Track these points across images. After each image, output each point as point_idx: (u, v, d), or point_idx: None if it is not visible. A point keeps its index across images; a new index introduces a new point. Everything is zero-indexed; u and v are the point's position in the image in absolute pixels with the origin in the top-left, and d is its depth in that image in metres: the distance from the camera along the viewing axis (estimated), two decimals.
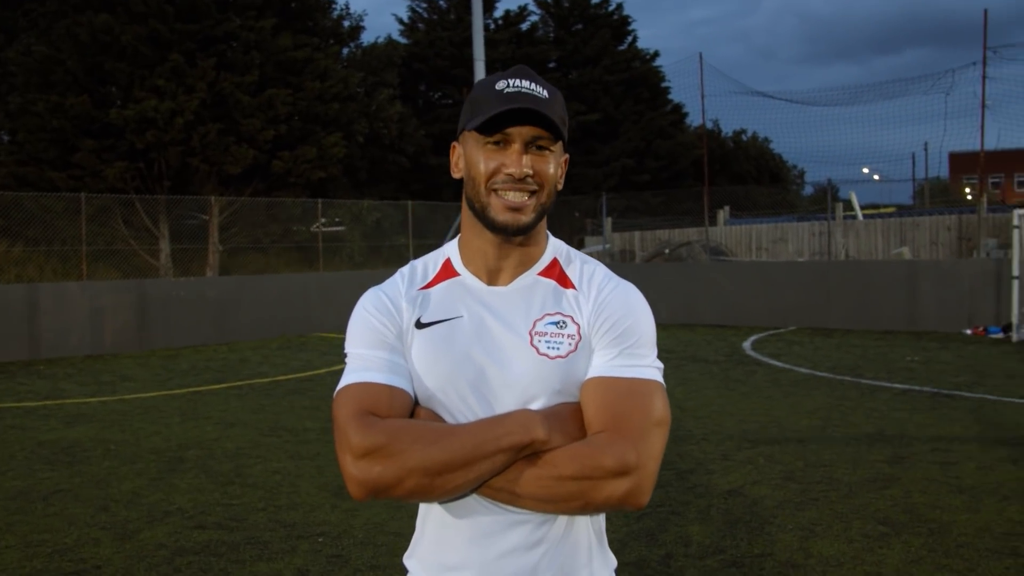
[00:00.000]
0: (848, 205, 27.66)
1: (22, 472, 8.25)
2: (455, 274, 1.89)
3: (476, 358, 1.78)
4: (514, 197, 1.79)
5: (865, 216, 26.22)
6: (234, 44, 28.54)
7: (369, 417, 1.72)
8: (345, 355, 1.90)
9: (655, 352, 1.85)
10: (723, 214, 30.03)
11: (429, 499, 1.72)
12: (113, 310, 18.65)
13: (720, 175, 42.65)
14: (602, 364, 1.79)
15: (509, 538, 1.75)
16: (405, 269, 1.95)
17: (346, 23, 35.80)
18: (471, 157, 1.83)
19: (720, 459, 8.15)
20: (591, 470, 1.66)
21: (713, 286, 21.70)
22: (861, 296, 19.42)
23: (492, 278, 1.87)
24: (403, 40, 40.60)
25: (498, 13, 40.65)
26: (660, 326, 21.08)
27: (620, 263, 26.52)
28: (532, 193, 1.80)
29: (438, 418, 1.79)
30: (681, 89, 53.45)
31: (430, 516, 1.84)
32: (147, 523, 6.57)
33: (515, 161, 1.78)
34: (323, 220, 26.55)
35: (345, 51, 35.08)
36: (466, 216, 1.89)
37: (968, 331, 17.68)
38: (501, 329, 1.81)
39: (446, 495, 1.70)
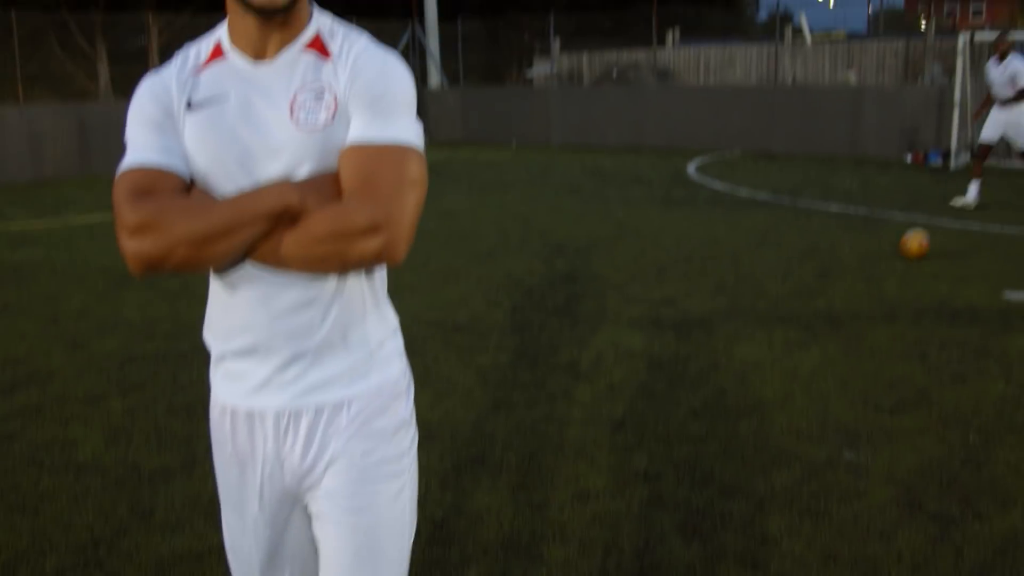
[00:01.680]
0: (798, 31, 27.46)
1: None
2: (222, 55, 1.86)
3: (242, 136, 1.79)
4: None
5: (814, 42, 26.06)
6: None
7: (141, 195, 1.75)
8: (124, 141, 1.87)
9: (412, 118, 1.84)
10: (673, 35, 29.72)
11: (198, 269, 1.76)
12: (53, 136, 18.24)
13: None
14: (356, 130, 1.79)
15: (283, 298, 1.82)
16: (179, 53, 1.92)
17: None
18: None
19: (656, 272, 8.38)
20: (343, 228, 1.70)
21: (659, 110, 21.70)
22: (805, 121, 19.53)
23: (257, 54, 1.83)
24: None
25: None
26: (607, 150, 21.22)
27: (568, 86, 26.32)
28: None
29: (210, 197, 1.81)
30: None
31: (216, 288, 1.90)
32: (96, 335, 6.69)
33: None
34: None
35: None
36: None
37: (908, 158, 17.91)
38: (263, 105, 1.80)
39: (214, 263, 1.76)
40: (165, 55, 24.97)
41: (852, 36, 32.09)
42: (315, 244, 1.72)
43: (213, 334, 1.93)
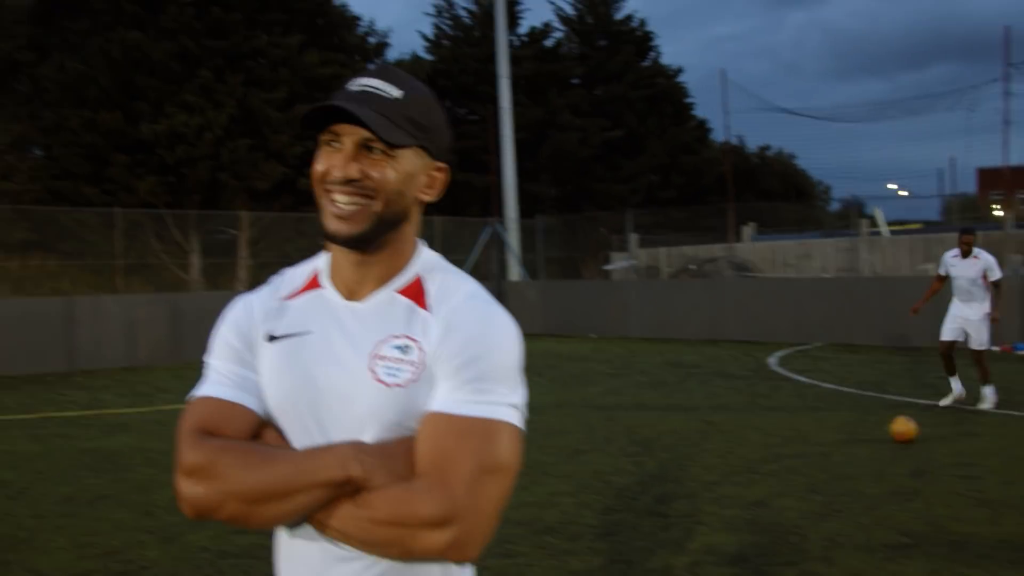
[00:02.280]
0: (873, 221, 27.65)
1: (68, 478, 8.46)
2: (318, 286, 1.75)
3: (317, 378, 1.66)
4: (342, 202, 1.63)
5: (891, 232, 26.20)
6: (262, 60, 28.90)
7: (201, 435, 1.63)
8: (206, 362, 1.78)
9: (512, 387, 1.64)
10: (748, 230, 30.10)
11: (249, 527, 1.60)
12: (147, 323, 18.94)
13: (745, 191, 42.71)
14: (441, 397, 1.60)
15: (344, 569, 1.64)
16: (277, 276, 1.83)
17: (371, 40, 36.15)
18: (316, 154, 1.70)
19: (746, 471, 8.25)
20: (405, 517, 1.52)
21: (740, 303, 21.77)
22: (887, 312, 19.41)
23: (351, 293, 1.71)
24: (428, 57, 40.89)
25: (522, 30, 40.89)
26: (685, 342, 21.24)
27: (647, 279, 26.61)
28: (365, 200, 1.63)
29: (283, 439, 1.69)
30: (705, 105, 53.80)
31: (280, 538, 1.75)
32: (189, 528, 6.74)
33: (341, 162, 1.63)
34: None
35: (371, 67, 35.36)
36: None
37: (996, 348, 17.64)
38: (344, 349, 1.66)
39: (266, 525, 1.61)
40: (253, 248, 26.03)
41: (927, 225, 32.21)
42: (375, 528, 1.54)
43: (278, 566, 1.79)
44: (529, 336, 23.91)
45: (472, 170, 36.05)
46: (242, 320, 1.76)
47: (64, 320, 18.21)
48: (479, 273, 27.56)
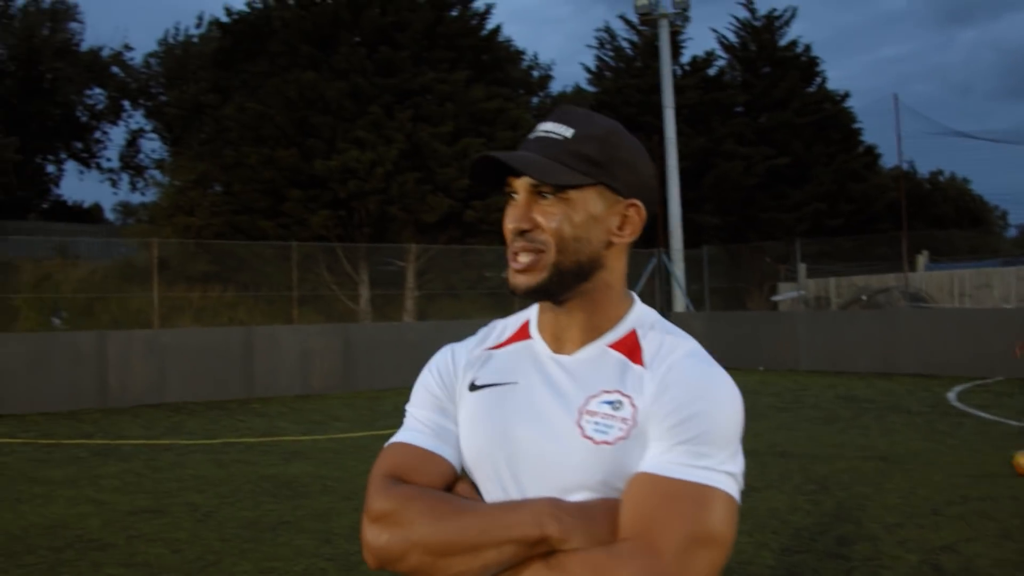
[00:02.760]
0: None
1: (250, 504, 8.81)
2: (527, 336, 1.70)
3: (518, 431, 1.59)
4: (519, 255, 1.57)
5: None
6: (429, 96, 29.57)
7: (391, 481, 1.58)
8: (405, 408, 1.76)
9: (732, 454, 1.51)
10: (922, 259, 29.15)
11: None
12: (320, 352, 19.62)
13: (917, 218, 41.37)
14: (654, 457, 1.49)
15: None
16: (489, 324, 1.79)
17: (535, 74, 36.65)
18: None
19: (930, 513, 7.99)
20: None
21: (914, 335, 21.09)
22: None
23: (558, 345, 1.64)
24: (591, 88, 41.14)
25: (685, 59, 40.72)
26: (858, 375, 20.69)
27: (816, 310, 26.05)
28: (537, 252, 1.56)
29: (476, 493, 1.62)
30: (874, 130, 52.37)
31: None
32: None
33: (513, 214, 1.59)
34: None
35: (535, 100, 35.84)
36: None
37: None
38: (551, 403, 1.58)
39: None
40: (420, 279, 26.60)
41: None
42: None
43: None
44: None
45: None
46: (445, 369, 1.72)
47: (243, 349, 19.03)
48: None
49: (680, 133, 30.94)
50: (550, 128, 1.60)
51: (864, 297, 25.76)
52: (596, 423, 1.53)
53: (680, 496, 1.44)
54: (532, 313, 1.73)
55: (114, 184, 58.58)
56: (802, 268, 27.53)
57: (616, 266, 1.64)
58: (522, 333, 1.71)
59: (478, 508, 1.53)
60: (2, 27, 44.89)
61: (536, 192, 1.57)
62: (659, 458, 1.48)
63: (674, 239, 28.36)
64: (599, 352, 1.61)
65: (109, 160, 60.73)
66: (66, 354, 17.64)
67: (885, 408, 15.18)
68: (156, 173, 44.28)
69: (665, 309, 27.25)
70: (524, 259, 1.57)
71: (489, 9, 33.11)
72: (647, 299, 23.13)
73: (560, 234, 1.55)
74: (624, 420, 1.52)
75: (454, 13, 32.26)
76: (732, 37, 42.84)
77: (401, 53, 29.37)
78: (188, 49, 47.24)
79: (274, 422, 15.04)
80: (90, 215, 52.06)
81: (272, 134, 28.75)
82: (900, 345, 21.24)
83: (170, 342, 18.74)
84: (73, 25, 49.96)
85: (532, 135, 1.62)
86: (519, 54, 35.73)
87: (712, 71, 41.34)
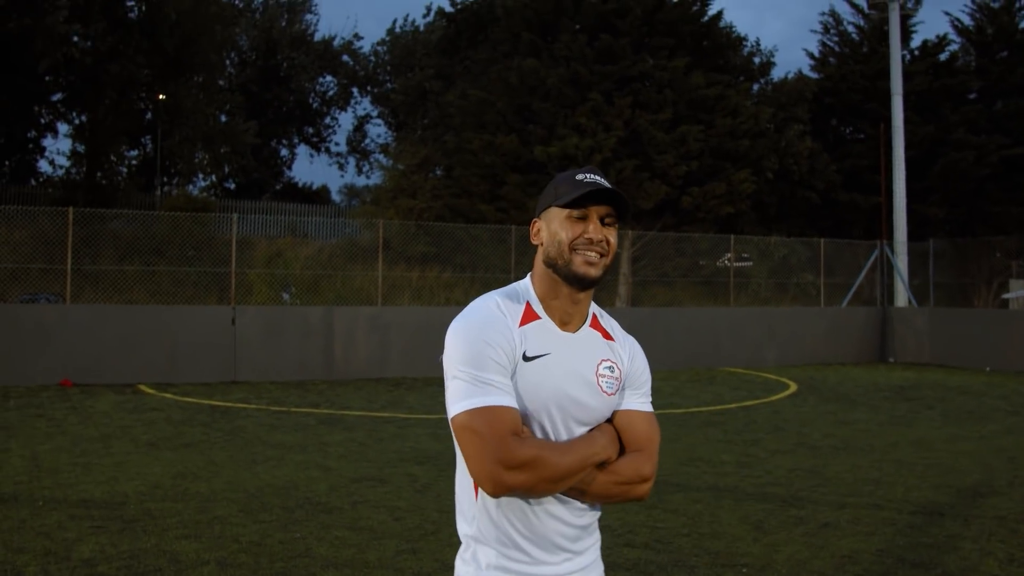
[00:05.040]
0: None
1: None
2: (538, 317, 2.40)
3: (565, 389, 2.34)
4: (592, 255, 2.34)
5: None
6: (648, 83, 29.62)
7: (514, 437, 2.22)
8: (461, 372, 2.29)
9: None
10: None
11: (543, 495, 2.29)
12: None
13: None
14: (634, 401, 2.47)
15: (581, 520, 2.39)
16: (500, 302, 2.42)
17: (757, 60, 36.07)
18: (556, 228, 2.37)
19: None
20: (637, 476, 2.38)
21: None
22: None
23: (564, 324, 2.42)
24: (814, 75, 40.17)
25: (915, 43, 39.18)
26: None
27: None
28: (602, 256, 2.36)
29: (531, 432, 2.33)
30: None
31: (501, 504, 2.33)
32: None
33: (595, 229, 2.35)
34: (729, 255, 26.94)
35: (756, 87, 35.30)
36: (545, 276, 2.41)
37: None
38: (579, 367, 2.38)
39: (551, 493, 2.29)
40: (635, 265, 26.74)
41: None
42: (615, 486, 2.36)
43: (488, 542, 2.36)
44: (916, 366, 23.03)
45: (857, 190, 35.00)
46: (506, 342, 2.31)
47: None
48: (861, 298, 26.79)
49: (907, 121, 29.88)
50: (601, 180, 2.37)
51: None
52: (606, 382, 2.41)
53: (651, 421, 2.47)
54: (530, 296, 2.45)
55: (341, 167, 61.33)
56: None
57: None
58: (531, 314, 2.41)
59: (575, 447, 2.30)
60: (246, 21, 47.59)
61: (603, 218, 2.37)
62: (637, 401, 2.47)
63: (898, 231, 27.45)
64: (587, 331, 2.45)
65: (337, 144, 63.45)
66: (297, 327, 18.76)
67: None
68: (381, 157, 45.97)
69: (885, 304, 26.48)
70: (595, 257, 2.35)
71: None
72: (866, 291, 22.41)
73: (613, 249, 2.39)
74: (616, 379, 2.44)
75: None
76: (967, 20, 40.95)
77: (621, 40, 29.53)
78: (415, 37, 48.81)
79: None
80: (318, 196, 54.55)
81: (493, 120, 29.47)
82: None
83: (392, 319, 19.58)
84: (308, 17, 52.48)
85: (588, 179, 2.37)
86: (740, 40, 35.27)
87: (943, 56, 39.59)
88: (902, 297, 26.67)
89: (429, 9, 47.49)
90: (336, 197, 57.95)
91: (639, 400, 2.48)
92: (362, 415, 13.67)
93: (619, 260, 27.33)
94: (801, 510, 8.01)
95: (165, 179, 40.05)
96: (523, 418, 2.30)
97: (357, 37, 53.85)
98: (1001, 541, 7.26)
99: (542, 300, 2.42)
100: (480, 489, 2.31)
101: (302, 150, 63.48)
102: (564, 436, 2.35)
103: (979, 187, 35.76)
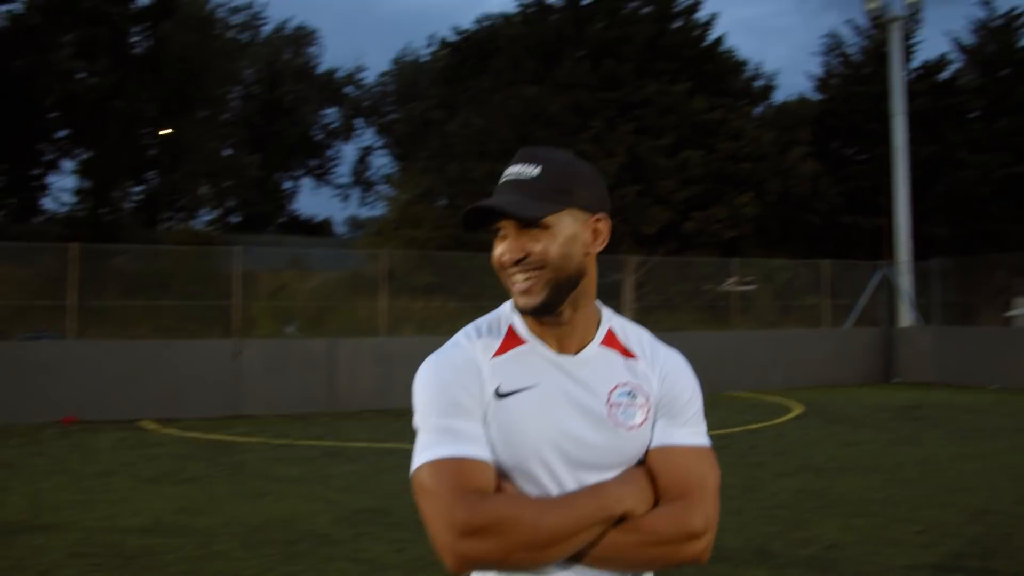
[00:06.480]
0: None
1: None
2: (521, 341, 1.93)
3: (561, 426, 1.84)
4: (520, 279, 1.85)
5: None
6: (650, 109, 29.71)
7: (472, 495, 1.75)
8: (417, 424, 1.89)
9: (704, 419, 1.99)
10: None
11: (528, 570, 1.77)
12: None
13: None
14: (671, 433, 1.91)
15: None
16: (470, 332, 1.98)
17: (758, 83, 36.16)
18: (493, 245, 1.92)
19: None
20: (682, 532, 1.80)
21: None
22: None
23: (561, 347, 1.91)
24: (816, 96, 40.27)
25: (915, 64, 39.25)
26: None
27: None
28: (536, 272, 1.84)
29: (520, 491, 1.83)
30: None
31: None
32: None
33: (507, 247, 1.85)
34: (733, 279, 26.92)
35: (758, 110, 35.39)
36: None
37: None
38: (581, 398, 1.87)
39: (542, 566, 1.77)
40: (639, 291, 26.75)
41: None
42: (651, 547, 1.80)
43: None
44: (922, 385, 22.96)
45: (860, 212, 35.02)
46: (467, 378, 1.88)
47: None
48: (866, 319, 26.72)
49: (909, 141, 29.89)
50: (519, 170, 1.88)
51: None
52: (623, 411, 1.89)
53: (701, 459, 1.91)
54: (512, 318, 1.98)
55: (345, 198, 61.55)
56: None
57: (592, 273, 1.96)
58: (513, 339, 1.94)
59: (566, 501, 1.79)
60: (250, 54, 47.95)
61: (522, 226, 1.85)
62: (677, 432, 1.92)
63: (902, 252, 27.46)
64: (596, 351, 1.94)
65: (341, 176, 63.70)
66: (299, 360, 18.69)
67: None
68: (384, 187, 46.17)
69: (889, 324, 26.42)
70: (524, 281, 1.86)
71: (712, 19, 33.04)
72: (871, 312, 22.36)
73: (549, 256, 1.84)
74: (642, 407, 1.91)
75: (677, 24, 32.34)
76: (968, 38, 41.06)
77: (624, 66, 29.67)
78: (418, 68, 49.10)
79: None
80: (321, 228, 54.71)
81: (496, 148, 29.54)
82: None
83: (396, 350, 19.54)
84: (312, 49, 52.87)
85: (503, 179, 1.89)
86: (742, 64, 35.37)
87: (944, 75, 39.67)
88: (906, 317, 26.62)
89: (431, 40, 47.87)
90: (340, 228, 58.20)
91: (680, 431, 1.92)
92: (365, 447, 13.63)
93: (622, 286, 27.32)
94: (807, 532, 7.97)
95: (169, 214, 40.21)
96: (507, 471, 1.84)
97: (360, 68, 54.17)
98: (1008, 559, 7.22)
99: (527, 319, 1.95)
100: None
101: (305, 182, 63.81)
102: (572, 488, 1.84)
103: (982, 206, 35.76)
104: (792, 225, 34.15)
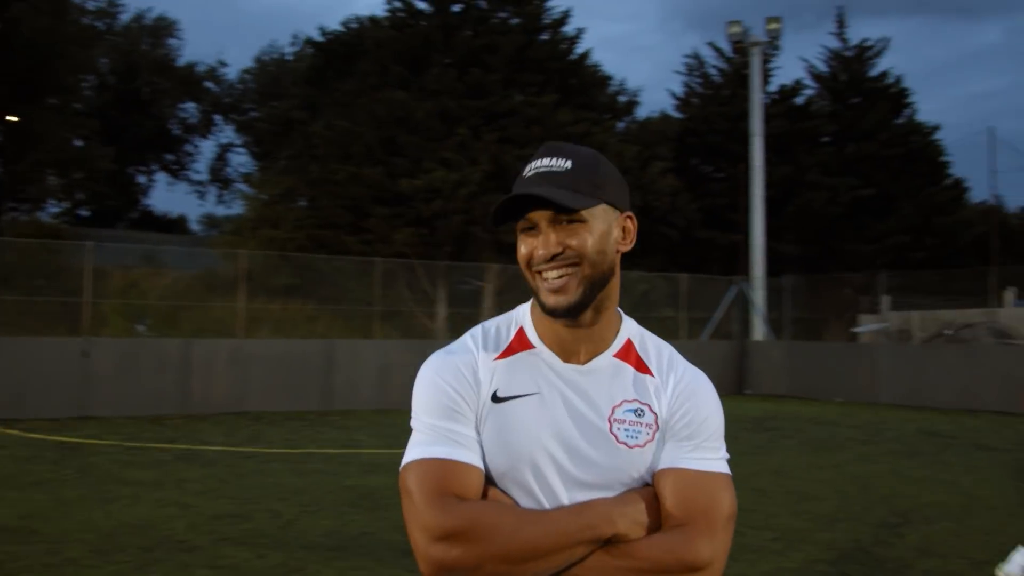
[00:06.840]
0: None
1: (331, 513, 8.99)
2: (530, 346, 1.83)
3: (554, 438, 1.75)
4: (553, 276, 1.73)
5: None
6: (516, 119, 29.86)
7: (448, 498, 1.68)
8: (414, 421, 1.84)
9: (724, 444, 1.85)
10: (1009, 295, 28.61)
11: None
12: (398, 368, 19.85)
13: (1005, 254, 40.53)
14: (680, 456, 1.77)
15: None
16: (477, 333, 1.89)
17: (622, 99, 36.75)
18: (518, 242, 1.82)
19: None
20: (673, 564, 1.66)
21: (998, 371, 20.75)
22: None
23: (567, 356, 1.80)
24: (677, 115, 41.15)
25: (772, 87, 40.51)
26: (939, 410, 20.45)
27: (898, 343, 25.76)
28: (571, 268, 1.73)
29: (510, 499, 1.75)
30: (963, 164, 51.32)
31: None
32: None
33: (542, 242, 1.73)
34: (478, 283, 27.33)
35: (621, 125, 35.95)
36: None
37: None
38: (580, 411, 1.77)
39: None
40: (498, 298, 26.81)
41: None
42: (642, 575, 1.66)
43: None
44: (773, 397, 23.61)
45: (717, 228, 35.93)
46: (460, 379, 1.80)
47: (324, 362, 19.41)
48: (721, 332, 27.40)
49: (765, 162, 30.82)
50: (547, 164, 1.76)
51: (948, 332, 25.37)
52: (626, 429, 1.76)
53: (712, 484, 1.76)
54: (524, 321, 1.88)
55: (201, 196, 60.01)
56: (886, 300, 27.23)
57: (618, 274, 1.84)
58: (522, 342, 1.85)
59: (549, 515, 1.69)
60: (106, 43, 46.34)
61: (556, 221, 1.73)
62: (685, 455, 1.78)
63: (756, 268, 28.28)
64: (608, 363, 1.82)
65: (198, 172, 62.18)
66: (152, 360, 18.14)
67: (968, 445, 14.99)
68: (243, 186, 45.23)
69: (743, 338, 27.13)
70: (559, 280, 1.73)
71: (579, 34, 33.44)
72: (723, 327, 22.90)
73: (587, 250, 1.73)
74: (648, 425, 1.78)
75: (544, 37, 32.60)
76: (822, 66, 42.60)
77: (491, 76, 29.74)
78: (281, 66, 48.29)
79: (352, 435, 15.31)
80: (176, 225, 53.30)
81: (359, 151, 29.26)
82: (984, 381, 20.93)
83: (253, 352, 19.15)
84: (172, 41, 51.43)
85: (531, 171, 1.77)
86: (607, 79, 35.89)
87: (799, 100, 41.09)
88: (759, 331, 27.39)
89: (296, 38, 47.15)
90: (195, 226, 56.76)
91: (691, 454, 1.78)
92: (221, 450, 13.26)
93: (483, 294, 27.35)
94: None
95: (13, 204, 38.47)
96: (499, 477, 1.75)
97: (222, 64, 53.05)
98: (860, 564, 7.44)
99: (537, 324, 1.85)
100: None
101: (160, 177, 62.08)
102: (565, 503, 1.74)
103: (831, 226, 37.12)
104: (651, 238, 34.75)
